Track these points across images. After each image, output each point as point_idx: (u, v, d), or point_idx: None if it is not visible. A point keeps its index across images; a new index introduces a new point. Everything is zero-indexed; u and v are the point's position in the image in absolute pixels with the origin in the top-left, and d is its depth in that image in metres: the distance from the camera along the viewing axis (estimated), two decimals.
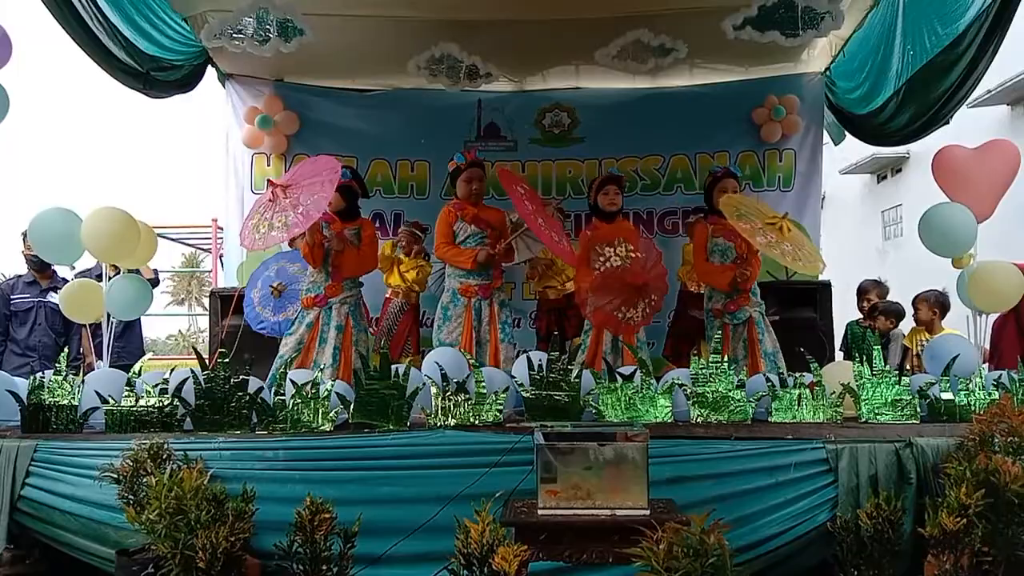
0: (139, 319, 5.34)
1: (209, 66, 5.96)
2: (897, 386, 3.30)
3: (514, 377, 3.40)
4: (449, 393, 3.16)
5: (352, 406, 3.17)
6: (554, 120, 6.46)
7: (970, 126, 10.30)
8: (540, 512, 2.43)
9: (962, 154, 4.06)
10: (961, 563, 2.41)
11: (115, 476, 2.78)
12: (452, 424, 3.13)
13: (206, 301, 7.28)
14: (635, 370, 3.36)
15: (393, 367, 3.18)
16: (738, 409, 3.26)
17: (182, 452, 2.91)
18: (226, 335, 4.93)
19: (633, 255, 4.19)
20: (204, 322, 7.81)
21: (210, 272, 10.28)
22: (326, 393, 3.18)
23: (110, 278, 4.24)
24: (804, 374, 3.41)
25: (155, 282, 5.28)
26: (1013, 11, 4.10)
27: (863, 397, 3.31)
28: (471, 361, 3.36)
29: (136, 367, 3.42)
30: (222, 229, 7.27)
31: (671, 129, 6.34)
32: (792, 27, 4.86)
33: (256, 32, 4.92)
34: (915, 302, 5.39)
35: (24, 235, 4.86)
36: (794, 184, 6.37)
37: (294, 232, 3.84)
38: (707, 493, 2.83)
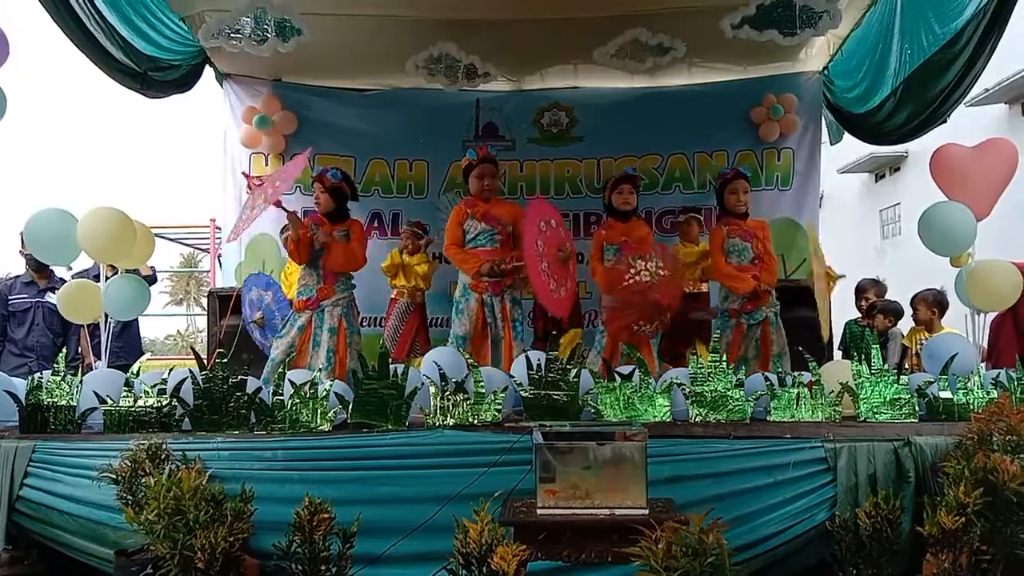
0: (137, 319, 5.34)
1: (207, 66, 5.95)
2: (896, 385, 3.30)
3: (513, 377, 3.40)
4: (448, 393, 3.15)
5: (350, 406, 3.17)
6: (552, 119, 6.45)
7: (968, 125, 10.30)
8: (539, 512, 2.43)
9: (960, 153, 4.06)
10: (960, 562, 2.40)
11: (113, 476, 2.77)
12: (451, 424, 3.13)
13: (204, 301, 7.27)
14: (633, 369, 3.36)
15: (392, 367, 3.17)
16: (736, 408, 3.26)
17: (180, 452, 2.91)
18: (224, 335, 4.95)
19: (662, 272, 4.20)
20: (202, 322, 7.79)
21: (208, 272, 10.26)
22: (324, 393, 3.18)
23: (108, 278, 4.23)
24: (803, 373, 3.41)
25: (152, 279, 5.28)
26: (1011, 10, 4.10)
27: (862, 396, 3.31)
28: (469, 361, 3.35)
29: (134, 367, 3.42)
30: (220, 229, 7.28)
31: (669, 128, 6.33)
32: (790, 26, 4.88)
33: (254, 32, 4.92)
34: (914, 301, 5.38)
35: (22, 235, 4.86)
36: (792, 183, 6.37)
37: (272, 200, 3.94)
38: (706, 492, 2.82)
